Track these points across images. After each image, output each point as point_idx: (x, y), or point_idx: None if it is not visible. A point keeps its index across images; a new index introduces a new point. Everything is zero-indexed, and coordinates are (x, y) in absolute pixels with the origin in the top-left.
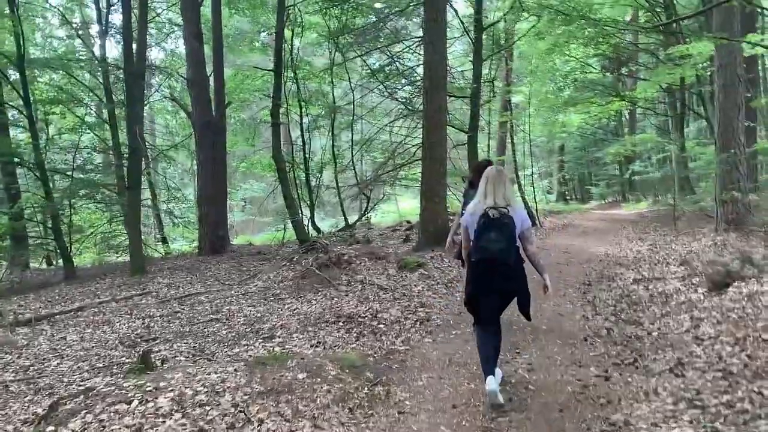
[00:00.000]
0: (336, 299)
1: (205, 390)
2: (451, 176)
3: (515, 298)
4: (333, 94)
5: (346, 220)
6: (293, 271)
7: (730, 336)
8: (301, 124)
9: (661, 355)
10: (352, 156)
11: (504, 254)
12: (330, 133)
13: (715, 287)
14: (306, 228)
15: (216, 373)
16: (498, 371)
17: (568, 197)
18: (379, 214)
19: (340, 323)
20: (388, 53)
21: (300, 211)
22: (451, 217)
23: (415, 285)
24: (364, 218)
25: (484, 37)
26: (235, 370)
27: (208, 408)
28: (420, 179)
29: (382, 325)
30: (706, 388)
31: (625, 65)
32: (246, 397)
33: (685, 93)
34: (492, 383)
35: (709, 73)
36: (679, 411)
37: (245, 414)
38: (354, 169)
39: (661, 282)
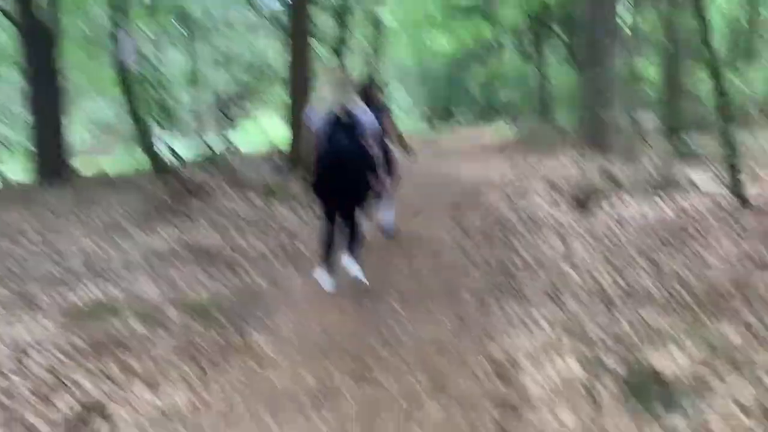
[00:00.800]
0: (192, 232)
1: (9, 352)
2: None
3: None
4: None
5: (210, 146)
6: (144, 203)
7: (603, 260)
8: (151, 36)
9: (536, 280)
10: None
11: (348, 154)
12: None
13: (582, 207)
14: (162, 155)
15: (27, 327)
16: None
17: (435, 122)
18: (250, 142)
19: (193, 259)
20: None
21: (154, 136)
22: None
23: (281, 214)
24: (231, 146)
25: None
26: (54, 322)
27: (9, 374)
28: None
29: (243, 260)
30: (586, 315)
31: None
32: (62, 356)
33: (548, 15)
34: (321, 274)
35: None
36: (562, 343)
37: (57, 377)
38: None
39: (528, 203)
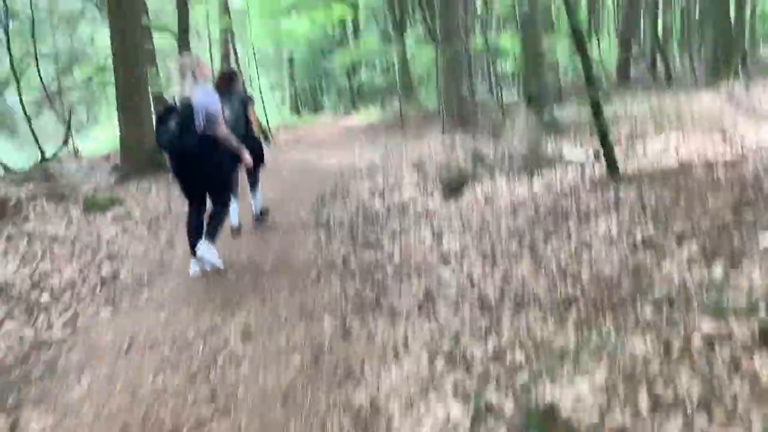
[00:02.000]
0: None
1: None
2: (166, 90)
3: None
4: None
5: (41, 151)
6: None
7: (479, 254)
8: None
9: (407, 286)
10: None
11: (179, 141)
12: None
13: (450, 191)
14: None
15: None
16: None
17: (301, 109)
18: (94, 143)
19: None
20: None
21: None
22: None
23: (105, 230)
24: (68, 148)
25: None
26: None
27: None
28: (116, 97)
29: (45, 296)
30: (465, 331)
31: None
32: None
33: None
34: (199, 249)
35: None
36: (438, 374)
37: None
38: (44, 85)
39: (396, 191)
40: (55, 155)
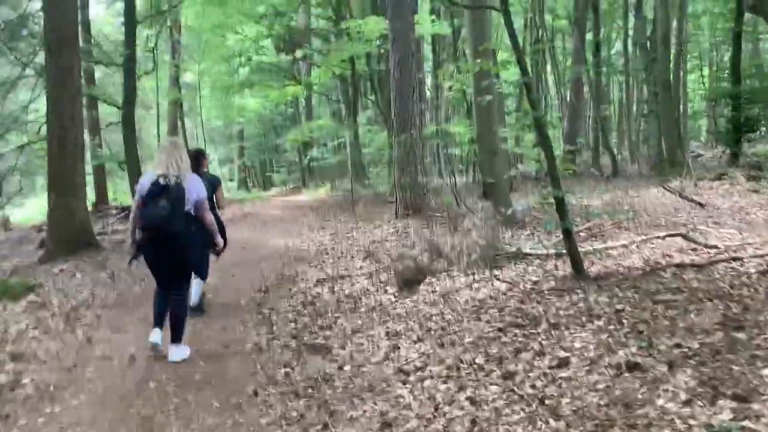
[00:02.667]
0: None
1: None
2: (109, 161)
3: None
4: None
5: None
6: None
7: (442, 367)
8: None
9: (360, 411)
10: None
11: (169, 221)
12: None
13: (405, 285)
14: None
15: None
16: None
17: (250, 184)
18: (28, 211)
19: None
20: None
21: None
22: (99, 214)
23: (14, 323)
24: None
25: None
26: None
27: None
28: (47, 166)
29: None
30: None
31: (299, 47)
32: None
33: (358, 79)
34: (155, 335)
35: (382, 51)
36: None
37: None
38: None
39: (347, 280)
40: None
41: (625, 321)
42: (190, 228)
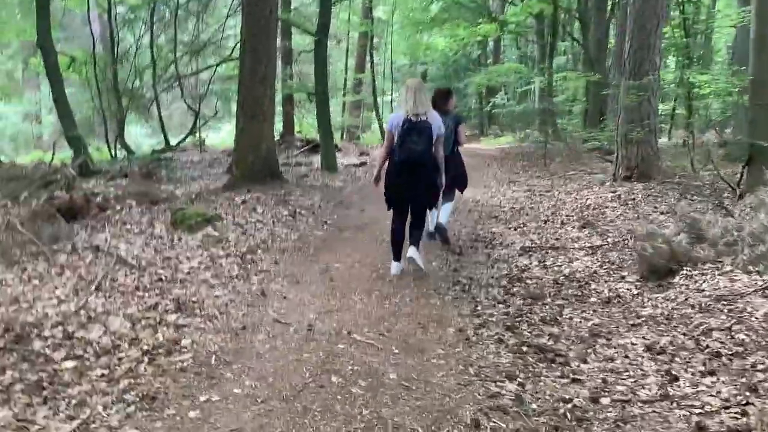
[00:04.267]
0: (35, 283)
1: None
2: (295, 92)
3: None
4: None
5: (166, 138)
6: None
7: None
8: (109, 11)
9: None
10: (176, 58)
11: (422, 155)
12: (149, 28)
13: (652, 274)
14: (114, 146)
15: None
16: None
17: None
18: (222, 135)
19: None
20: None
21: (104, 124)
22: (284, 145)
23: (187, 258)
24: (194, 138)
25: None
26: None
27: None
28: (238, 87)
29: (55, 370)
30: None
31: None
32: None
33: (559, 16)
34: (395, 269)
35: None
36: None
37: None
38: (178, 75)
39: (561, 254)
40: (179, 144)
41: None
42: (432, 160)
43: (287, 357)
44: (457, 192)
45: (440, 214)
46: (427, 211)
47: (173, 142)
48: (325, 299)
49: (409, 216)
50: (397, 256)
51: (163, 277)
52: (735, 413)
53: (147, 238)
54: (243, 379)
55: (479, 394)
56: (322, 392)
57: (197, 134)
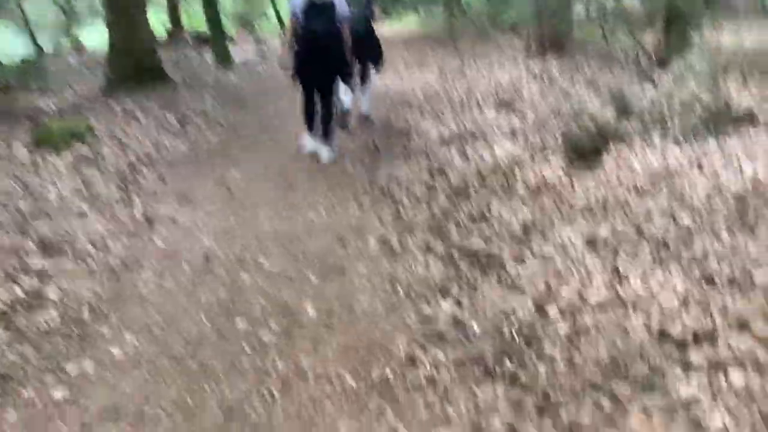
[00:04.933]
0: None
1: None
2: None
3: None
4: None
5: (35, 41)
6: None
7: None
8: None
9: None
10: None
11: (328, 32)
12: None
13: (578, 155)
14: None
15: None
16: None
17: None
18: (102, 36)
19: None
20: None
21: None
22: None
23: (54, 184)
24: (69, 41)
25: None
26: None
27: None
28: None
29: None
30: None
31: None
32: None
33: None
34: (307, 141)
35: None
36: None
37: None
38: None
39: (481, 141)
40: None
41: None
42: (339, 38)
43: (178, 299)
44: (373, 77)
45: (363, 103)
46: (337, 95)
47: (46, 47)
48: (223, 218)
49: (318, 105)
50: (311, 127)
51: (24, 212)
52: (696, 313)
53: (2, 164)
54: (123, 336)
55: (411, 319)
56: (225, 344)
57: (72, 35)
